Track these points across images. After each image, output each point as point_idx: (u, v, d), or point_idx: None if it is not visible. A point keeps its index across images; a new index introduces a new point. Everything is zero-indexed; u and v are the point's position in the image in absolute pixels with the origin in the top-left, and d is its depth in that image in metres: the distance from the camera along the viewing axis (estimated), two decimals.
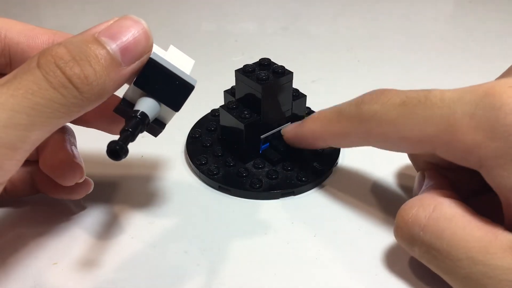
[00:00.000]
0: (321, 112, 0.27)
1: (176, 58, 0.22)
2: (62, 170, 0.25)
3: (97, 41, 0.19)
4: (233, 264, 0.24)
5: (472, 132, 0.20)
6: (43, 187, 0.27)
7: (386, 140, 0.24)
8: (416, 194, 0.25)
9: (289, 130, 0.30)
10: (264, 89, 0.27)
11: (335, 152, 0.31)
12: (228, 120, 0.29)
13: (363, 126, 0.24)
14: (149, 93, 0.21)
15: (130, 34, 0.20)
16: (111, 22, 0.20)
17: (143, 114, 0.21)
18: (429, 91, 0.22)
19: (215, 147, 0.31)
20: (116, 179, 0.30)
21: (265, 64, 0.29)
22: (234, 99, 0.30)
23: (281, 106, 0.29)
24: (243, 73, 0.28)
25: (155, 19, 0.52)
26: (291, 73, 0.28)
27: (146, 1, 0.56)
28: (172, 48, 0.23)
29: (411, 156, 0.28)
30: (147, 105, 0.21)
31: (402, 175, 0.30)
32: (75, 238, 0.25)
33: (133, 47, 0.20)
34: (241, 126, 0.28)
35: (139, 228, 0.26)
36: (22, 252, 0.25)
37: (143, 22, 0.21)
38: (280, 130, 0.30)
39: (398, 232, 0.23)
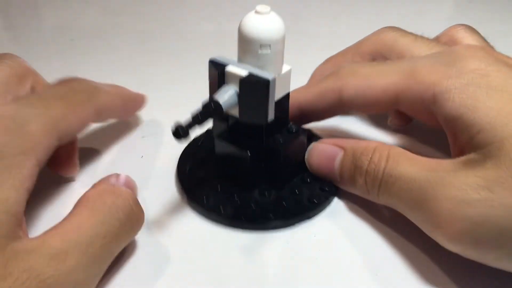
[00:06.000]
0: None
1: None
2: (60, 167, 0.28)
3: None
4: None
5: (431, 74, 0.24)
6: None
7: (357, 91, 0.27)
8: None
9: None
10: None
11: None
12: (227, 149, 0.27)
13: (340, 80, 0.27)
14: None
15: None
16: None
17: (217, 104, 0.23)
18: (402, 57, 0.27)
19: (211, 180, 0.28)
20: None
21: None
22: (222, 123, 0.27)
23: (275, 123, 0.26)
24: None
25: (154, 19, 0.52)
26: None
27: (146, 1, 0.56)
28: None
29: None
30: (225, 95, 0.23)
31: None
32: None
33: None
34: (245, 155, 0.26)
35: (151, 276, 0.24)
36: None
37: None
38: None
39: (356, 168, 0.25)
